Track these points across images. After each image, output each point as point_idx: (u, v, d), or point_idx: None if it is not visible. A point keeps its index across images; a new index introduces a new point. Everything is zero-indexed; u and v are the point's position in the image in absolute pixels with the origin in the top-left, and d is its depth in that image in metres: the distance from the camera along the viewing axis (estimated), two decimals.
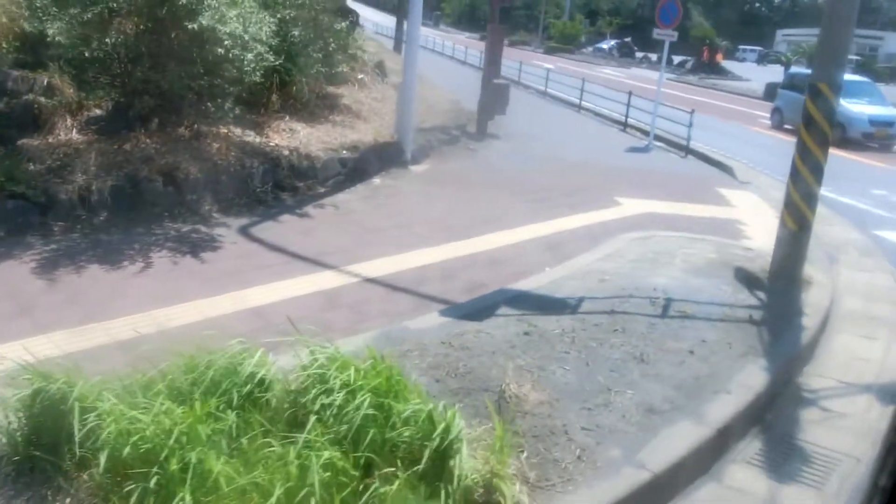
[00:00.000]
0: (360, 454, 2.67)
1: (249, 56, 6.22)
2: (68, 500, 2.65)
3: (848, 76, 21.21)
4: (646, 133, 14.93)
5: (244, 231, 6.58)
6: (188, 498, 2.40)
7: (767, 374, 4.42)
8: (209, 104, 6.97)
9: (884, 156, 15.42)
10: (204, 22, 5.67)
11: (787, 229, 6.12)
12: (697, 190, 10.43)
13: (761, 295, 5.79)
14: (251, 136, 8.09)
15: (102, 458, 2.55)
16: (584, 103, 19.45)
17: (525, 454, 3.30)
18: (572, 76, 20.32)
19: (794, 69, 22.94)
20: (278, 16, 6.59)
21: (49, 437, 2.80)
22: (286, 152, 8.00)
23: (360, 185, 8.48)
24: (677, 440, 3.62)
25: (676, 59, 54.49)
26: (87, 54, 6.62)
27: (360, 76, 12.32)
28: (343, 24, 8.08)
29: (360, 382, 2.89)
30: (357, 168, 8.64)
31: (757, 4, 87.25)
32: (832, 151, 15.96)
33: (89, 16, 5.67)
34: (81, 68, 6.67)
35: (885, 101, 17.66)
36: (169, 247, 5.97)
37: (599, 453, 3.40)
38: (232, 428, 2.82)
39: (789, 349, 4.90)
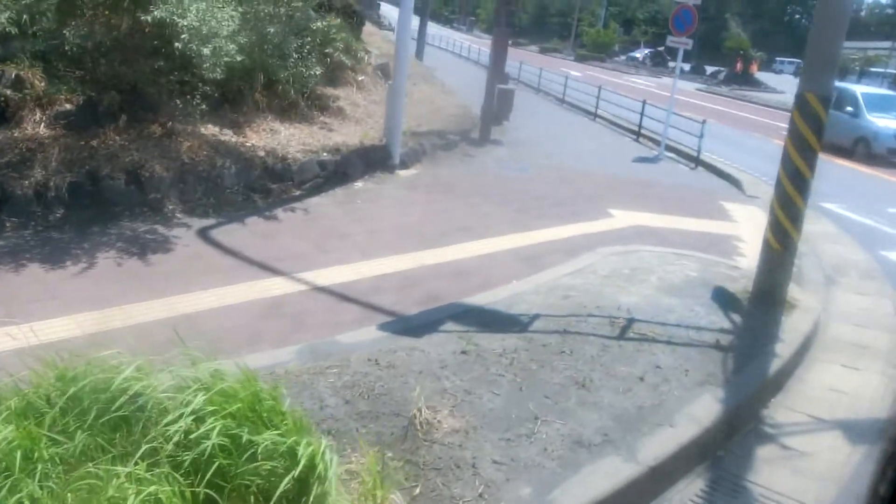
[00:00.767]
0: (198, 489, 2.39)
1: (206, 51, 6.00)
2: None
3: (875, 90, 20.52)
4: (658, 143, 14.48)
5: (203, 233, 6.37)
6: None
7: (723, 406, 4.05)
8: (178, 101, 6.79)
9: None
10: (157, 14, 5.48)
11: (771, 249, 5.71)
12: (699, 203, 10.00)
13: (736, 318, 5.40)
14: (228, 136, 7.90)
15: None
16: (600, 111, 19.03)
17: (418, 489, 3.00)
18: (595, 84, 19.84)
19: None
20: (240, 9, 6.36)
21: None
22: (261, 153, 7.79)
23: (340, 188, 8.24)
24: (600, 478, 3.28)
25: (710, 69, 53.63)
26: (55, 47, 6.48)
27: (360, 77, 12.10)
28: (321, 22, 7.79)
29: (211, 407, 2.61)
30: (338, 171, 8.40)
31: (797, 16, 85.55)
32: (854, 166, 15.39)
33: (45, 5, 5.52)
34: (48, 60, 6.53)
35: None
36: (119, 247, 5.77)
37: (506, 491, 3.08)
38: (75, 451, 2.56)
39: (755, 378, 4.51)
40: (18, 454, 2.36)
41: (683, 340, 4.81)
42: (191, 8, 5.67)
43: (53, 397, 2.80)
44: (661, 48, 61.91)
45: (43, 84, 7.04)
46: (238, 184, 7.38)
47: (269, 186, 7.60)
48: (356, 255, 6.24)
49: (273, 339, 4.57)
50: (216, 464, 2.44)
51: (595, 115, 18.94)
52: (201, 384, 2.74)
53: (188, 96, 6.81)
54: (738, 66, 48.66)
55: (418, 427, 3.41)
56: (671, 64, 57.08)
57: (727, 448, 3.95)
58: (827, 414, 4.43)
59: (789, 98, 30.51)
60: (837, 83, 21.30)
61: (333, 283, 5.59)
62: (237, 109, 8.61)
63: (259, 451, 2.53)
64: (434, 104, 13.95)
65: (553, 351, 4.44)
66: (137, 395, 2.90)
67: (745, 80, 47.27)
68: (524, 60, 32.30)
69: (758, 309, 5.62)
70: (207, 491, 2.39)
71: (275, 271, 5.70)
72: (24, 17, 5.68)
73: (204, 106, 6.99)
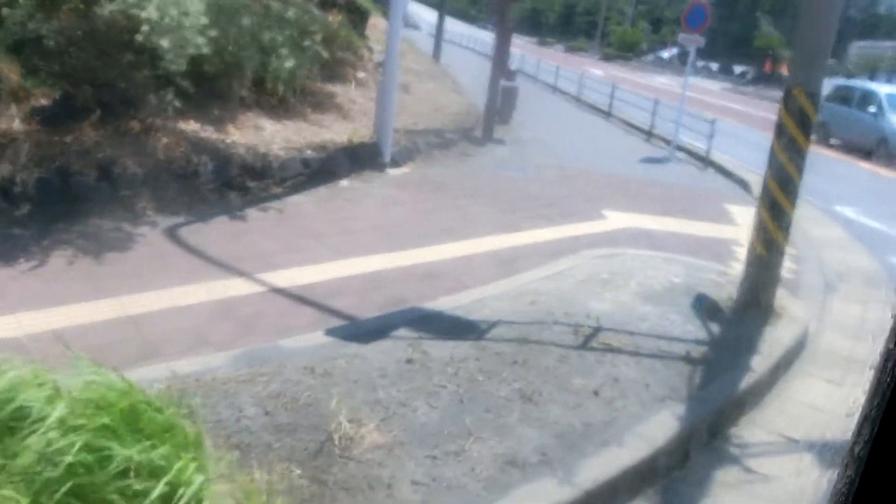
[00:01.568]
0: None
1: (164, 43, 5.84)
2: None
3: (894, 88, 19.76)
4: (670, 143, 14.09)
5: (170, 231, 6.22)
6: None
7: (681, 425, 3.77)
8: (151, 96, 6.65)
9: None
10: (111, 7, 5.33)
11: (755, 254, 5.39)
12: (702, 205, 9.64)
13: (715, 328, 5.09)
14: (209, 132, 7.76)
15: None
16: (615, 111, 18.63)
17: None
18: (615, 83, 19.45)
19: (841, 81, 21.51)
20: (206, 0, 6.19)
21: None
22: (241, 150, 7.63)
23: (323, 187, 8.04)
24: (529, 502, 3.03)
25: (738, 69, 52.62)
26: (31, 41, 6.38)
27: (360, 74, 11.91)
28: (291, 12, 7.53)
29: (79, 421, 2.41)
30: (323, 169, 8.21)
31: None
32: (870, 168, 14.83)
33: None
34: (23, 54, 6.44)
35: None
36: (78, 245, 5.64)
37: None
38: None
39: (722, 394, 4.21)
40: None
41: (651, 352, 4.52)
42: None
43: None
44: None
45: (18, 78, 6.95)
46: (215, 181, 7.23)
47: (247, 184, 7.44)
48: (325, 256, 6.04)
49: (218, 342, 4.38)
50: (70, 482, 2.24)
51: (609, 115, 18.54)
52: (73, 395, 2.54)
53: (161, 91, 6.66)
54: (767, 65, 47.63)
55: (336, 442, 3.19)
56: (699, 63, 56.29)
57: (683, 470, 3.66)
58: (800, 434, 4.12)
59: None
60: (862, 83, 20.67)
61: (294, 285, 5.39)
62: (223, 106, 8.47)
63: (121, 466, 2.33)
64: (437, 102, 13.71)
65: (505, 361, 4.18)
66: (23, 407, 2.72)
67: (774, 79, 46.29)
68: (547, 59, 31.95)
69: (740, 318, 5.31)
70: None
71: (236, 272, 5.51)
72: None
73: (176, 102, 6.84)
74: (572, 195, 9.23)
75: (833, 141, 17.39)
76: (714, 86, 41.84)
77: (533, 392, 3.86)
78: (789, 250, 7.99)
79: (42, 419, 2.55)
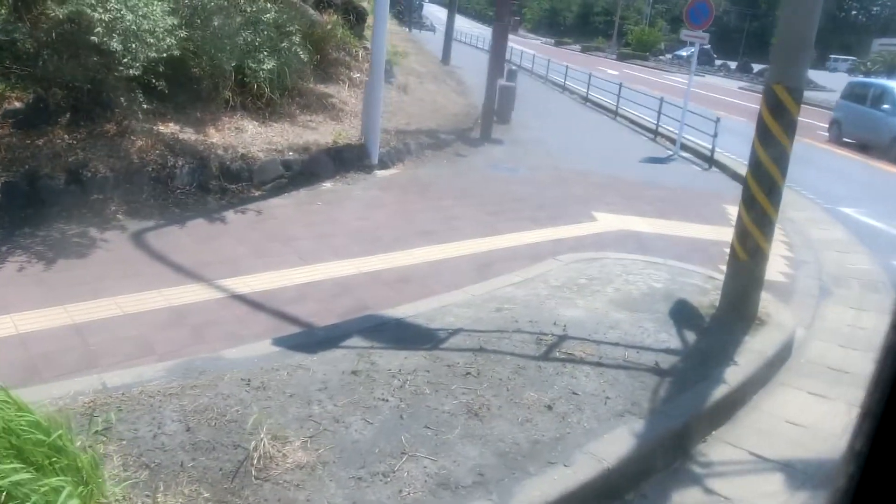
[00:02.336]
0: None
1: (116, 45, 5.69)
2: None
3: None
4: (675, 143, 13.78)
5: (137, 236, 6.08)
6: None
7: (638, 442, 3.52)
8: (122, 98, 6.53)
9: None
10: (68, 8, 5.19)
11: (737, 259, 5.13)
12: (700, 206, 9.34)
13: (691, 336, 4.82)
14: (188, 134, 7.62)
15: None
16: (623, 110, 18.32)
17: None
18: (628, 83, 19.12)
19: (856, 78, 20.93)
20: (172, 4, 6.02)
21: None
22: (220, 151, 7.48)
23: (305, 189, 7.88)
24: None
25: (757, 67, 51.78)
26: (3, 43, 6.27)
27: (355, 75, 11.75)
28: (272, 14, 7.38)
29: None
30: (305, 171, 8.04)
31: (854, 12, 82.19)
32: (887, 168, 14.37)
33: None
34: None
35: None
36: (36, 251, 5.51)
37: None
38: None
39: (689, 408, 3.95)
40: None
41: (616, 362, 4.28)
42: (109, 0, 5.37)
43: None
44: (708, 46, 60.15)
45: None
46: (190, 184, 7.08)
47: (225, 187, 7.29)
48: (293, 261, 5.87)
49: (162, 352, 4.20)
50: None
51: (616, 114, 18.23)
52: None
53: (132, 93, 6.53)
54: None
55: (255, 462, 2.99)
56: (717, 62, 55.49)
57: (636, 492, 3.42)
58: (773, 452, 3.84)
59: (835, 97, 29.24)
60: (877, 81, 20.10)
61: (256, 291, 5.21)
62: (206, 108, 8.34)
63: None
64: (436, 103, 13.51)
65: (458, 372, 3.97)
66: None
67: None
68: (560, 59, 31.63)
69: (720, 326, 5.04)
70: None
71: (197, 277, 5.35)
72: None
73: (145, 104, 6.71)
74: (564, 197, 8.97)
75: (846, 139, 16.94)
76: (732, 84, 41.23)
77: (481, 406, 3.64)
78: (786, 253, 7.71)
79: None
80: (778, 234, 8.48)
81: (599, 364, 4.22)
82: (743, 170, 11.94)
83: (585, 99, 21.10)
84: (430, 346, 4.29)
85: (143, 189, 6.78)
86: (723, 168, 12.24)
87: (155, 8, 5.79)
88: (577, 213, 8.18)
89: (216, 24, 6.77)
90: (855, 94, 17.03)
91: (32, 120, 6.89)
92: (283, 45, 7.89)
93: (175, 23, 6.05)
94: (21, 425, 2.43)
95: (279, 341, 4.25)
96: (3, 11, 6.27)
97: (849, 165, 14.72)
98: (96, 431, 3.06)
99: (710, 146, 12.70)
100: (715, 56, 56.88)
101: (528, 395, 3.80)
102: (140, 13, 5.57)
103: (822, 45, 62.55)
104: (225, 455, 3.04)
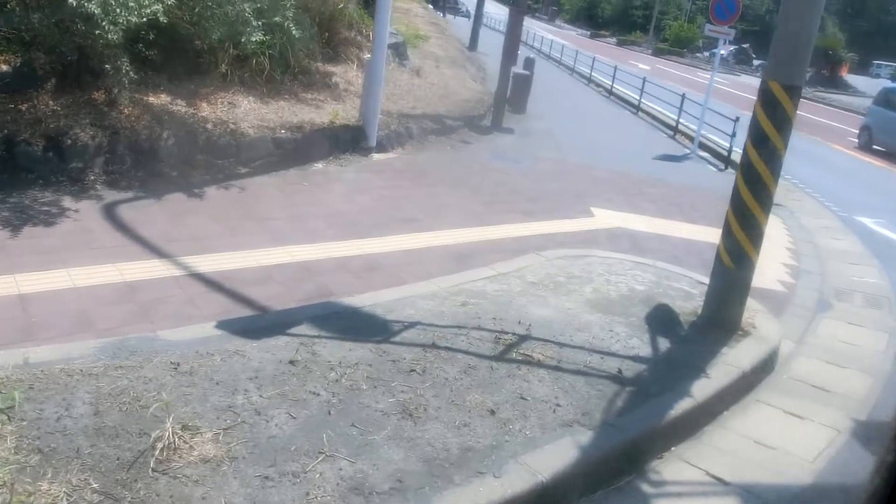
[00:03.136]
0: None
1: (94, 9, 5.53)
2: None
3: None
4: (693, 141, 13.36)
5: (110, 207, 5.94)
6: None
7: (581, 455, 3.28)
8: (106, 66, 6.38)
9: None
10: None
11: (722, 266, 4.83)
12: (704, 207, 8.99)
13: (664, 343, 4.55)
14: (180, 106, 7.47)
15: None
16: (645, 106, 17.88)
17: None
18: (661, 79, 18.66)
19: (891, 83, 20.17)
20: None
21: None
22: (209, 125, 7.32)
23: (295, 169, 7.69)
24: None
25: None
26: None
27: (365, 56, 11.51)
28: None
29: None
30: (297, 150, 7.85)
31: None
32: None
33: None
34: None
35: None
36: (2, 216, 5.39)
37: None
38: None
39: (645, 421, 3.69)
40: None
41: (577, 367, 4.03)
42: None
43: None
44: (747, 45, 58.77)
45: None
46: (175, 157, 6.93)
47: (211, 161, 7.13)
48: (264, 241, 5.69)
49: (101, 328, 4.04)
50: None
51: (638, 109, 17.79)
52: None
53: (118, 61, 6.39)
54: (827, 68, 45.81)
55: (157, 453, 2.81)
56: (756, 62, 54.21)
57: None
58: (733, 474, 3.58)
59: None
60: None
61: (217, 271, 5.04)
62: (202, 81, 8.19)
63: None
64: (448, 88, 13.23)
65: (402, 369, 3.76)
66: None
67: (833, 82, 44.41)
68: (588, 50, 31.09)
69: (698, 335, 4.76)
70: None
71: (160, 253, 5.19)
72: None
73: (132, 73, 6.55)
74: (564, 190, 8.69)
75: (876, 146, 16.34)
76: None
77: (417, 406, 3.42)
78: (790, 262, 7.36)
79: None
80: (786, 240, 8.15)
81: (557, 368, 3.98)
82: None
83: (610, 92, 20.66)
84: (379, 338, 4.08)
85: (125, 160, 6.64)
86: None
87: None
88: (574, 208, 7.90)
89: None
90: (888, 101, 16.41)
91: (19, 84, 6.78)
92: (276, 19, 7.68)
93: None
94: None
95: (224, 324, 4.08)
96: None
97: (873, 173, 14.18)
98: None
99: (721, 145, 12.29)
100: (754, 56, 55.63)
101: (472, 397, 3.58)
102: None
103: (867, 49, 60.80)
104: (127, 443, 2.87)
